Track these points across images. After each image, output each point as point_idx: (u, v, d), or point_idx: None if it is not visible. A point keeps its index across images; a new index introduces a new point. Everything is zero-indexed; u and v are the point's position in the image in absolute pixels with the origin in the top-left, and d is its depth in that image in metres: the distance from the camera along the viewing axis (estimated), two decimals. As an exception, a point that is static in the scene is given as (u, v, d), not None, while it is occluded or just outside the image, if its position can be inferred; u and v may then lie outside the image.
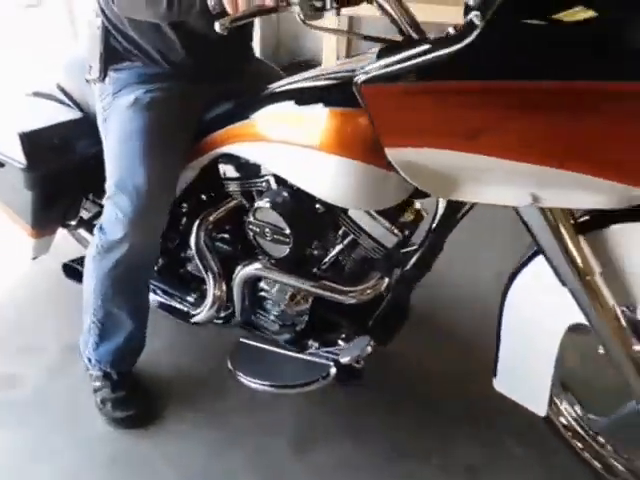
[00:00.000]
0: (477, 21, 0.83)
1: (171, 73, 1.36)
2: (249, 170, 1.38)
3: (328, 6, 0.95)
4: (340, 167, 1.09)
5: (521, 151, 0.88)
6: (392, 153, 0.98)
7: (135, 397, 1.54)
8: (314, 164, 1.13)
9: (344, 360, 1.31)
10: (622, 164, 0.84)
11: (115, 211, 1.32)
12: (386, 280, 1.31)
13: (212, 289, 1.51)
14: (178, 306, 1.63)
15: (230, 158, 1.38)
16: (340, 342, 1.40)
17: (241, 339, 1.49)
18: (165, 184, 1.35)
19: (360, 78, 0.97)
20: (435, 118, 0.93)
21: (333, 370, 1.33)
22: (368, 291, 1.31)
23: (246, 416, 1.53)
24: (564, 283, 1.02)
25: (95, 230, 1.40)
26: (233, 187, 1.44)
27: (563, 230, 0.99)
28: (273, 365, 1.41)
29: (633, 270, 0.99)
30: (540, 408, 1.25)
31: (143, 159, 1.30)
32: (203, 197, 1.55)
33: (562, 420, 1.33)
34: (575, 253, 0.99)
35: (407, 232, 1.27)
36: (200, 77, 1.38)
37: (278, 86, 1.24)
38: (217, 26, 0.93)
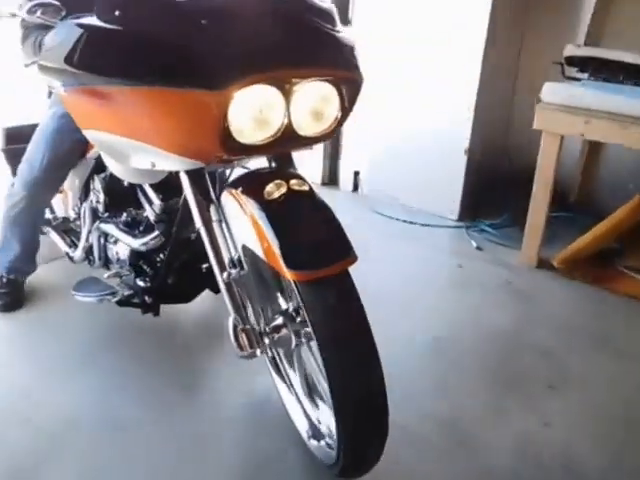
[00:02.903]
0: None
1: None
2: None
3: None
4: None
5: (129, 131, 1.41)
6: (86, 134, 1.60)
7: (9, 293, 2.33)
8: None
9: (125, 291, 2.00)
10: (175, 143, 1.34)
11: (22, 174, 2.09)
12: (162, 238, 1.91)
13: (83, 240, 2.25)
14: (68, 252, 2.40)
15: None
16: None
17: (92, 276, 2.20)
18: (54, 170, 2.05)
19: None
20: (92, 110, 1.50)
21: (122, 292, 2.00)
22: (151, 242, 1.91)
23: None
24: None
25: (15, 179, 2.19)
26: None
27: (194, 191, 1.48)
28: (95, 288, 2.09)
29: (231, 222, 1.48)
30: None
31: (44, 147, 2.04)
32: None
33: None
34: (198, 206, 1.47)
35: (174, 201, 1.87)
36: None
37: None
38: None
